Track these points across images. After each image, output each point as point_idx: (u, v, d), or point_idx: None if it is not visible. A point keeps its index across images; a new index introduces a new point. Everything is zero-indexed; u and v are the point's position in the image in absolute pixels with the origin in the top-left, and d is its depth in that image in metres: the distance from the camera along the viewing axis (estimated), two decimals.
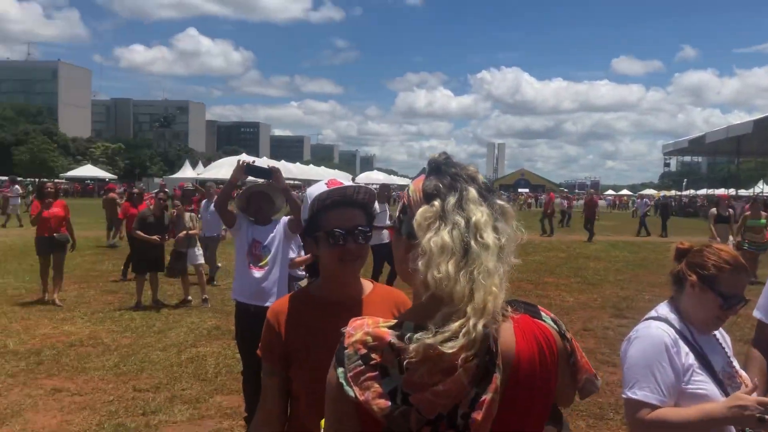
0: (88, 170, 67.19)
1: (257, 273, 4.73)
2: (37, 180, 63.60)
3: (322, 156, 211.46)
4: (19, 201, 26.18)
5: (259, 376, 4.86)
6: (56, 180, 61.13)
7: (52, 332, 7.80)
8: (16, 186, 26.92)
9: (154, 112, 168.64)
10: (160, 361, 6.65)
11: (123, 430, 4.81)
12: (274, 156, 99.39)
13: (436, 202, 1.14)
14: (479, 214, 1.13)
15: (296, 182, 58.75)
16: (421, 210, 1.15)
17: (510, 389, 1.10)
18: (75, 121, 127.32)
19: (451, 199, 1.14)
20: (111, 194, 18.91)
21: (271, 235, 4.80)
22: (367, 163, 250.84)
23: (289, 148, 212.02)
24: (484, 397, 1.05)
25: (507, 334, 1.12)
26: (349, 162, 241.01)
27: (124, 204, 13.05)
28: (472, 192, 1.15)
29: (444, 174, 1.19)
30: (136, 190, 13.23)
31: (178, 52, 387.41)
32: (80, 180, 66.06)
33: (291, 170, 62.90)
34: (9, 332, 7.69)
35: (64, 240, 9.60)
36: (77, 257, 11.19)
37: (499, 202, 1.18)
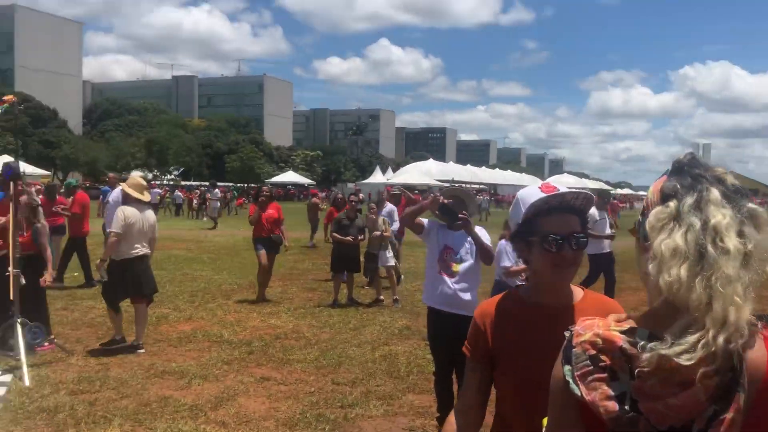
0: (289, 176, 72.37)
1: (448, 280, 4.75)
2: (246, 185, 69.70)
3: (509, 159, 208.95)
4: (218, 204, 29.15)
5: (450, 378, 4.90)
6: (263, 185, 66.68)
7: (261, 325, 8.49)
8: (216, 190, 30.01)
9: (348, 121, 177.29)
10: (355, 356, 6.97)
11: (323, 421, 5.10)
12: (460, 160, 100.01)
13: (671, 203, 1.09)
14: (720, 216, 1.04)
15: (482, 186, 58.66)
16: (654, 211, 1.10)
17: (757, 409, 1.00)
18: (278, 130, 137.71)
19: (688, 200, 1.08)
20: (314, 199, 20.87)
21: (464, 242, 4.81)
22: (557, 166, 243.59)
23: (474, 152, 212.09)
24: (724, 416, 0.98)
25: (756, 351, 1.02)
26: (537, 165, 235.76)
27: (330, 209, 14.09)
28: (714, 193, 1.07)
29: (685, 174, 1.13)
30: (340, 196, 14.17)
31: (370, 63, 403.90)
32: (283, 185, 71.32)
33: (477, 174, 62.98)
34: (224, 324, 8.48)
35: (279, 241, 10.31)
36: (281, 256, 12.02)
37: (749, 205, 1.08)
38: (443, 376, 4.94)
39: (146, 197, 7.43)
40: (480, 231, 4.79)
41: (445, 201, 4.57)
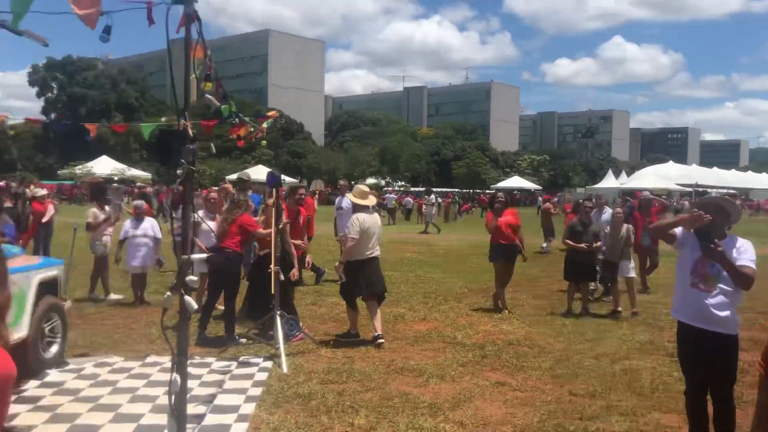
0: (515, 181, 71.79)
1: (703, 294, 4.33)
2: (472, 191, 70.54)
3: (763, 161, 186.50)
4: (434, 211, 30.22)
5: (704, 399, 4.47)
6: (488, 191, 66.98)
7: (492, 330, 8.51)
8: (432, 196, 31.11)
9: (578, 123, 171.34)
10: (593, 368, 6.69)
11: (562, 431, 4.96)
12: (705, 163, 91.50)
13: None
14: None
15: (731, 191, 53.09)
16: None
17: None
18: (504, 136, 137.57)
19: None
20: (547, 204, 21.01)
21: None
22: None
23: (721, 154, 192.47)
24: None
25: None
26: None
27: (568, 216, 13.92)
28: None
29: None
30: (581, 201, 13.88)
31: (602, 62, 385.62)
32: (508, 191, 70.92)
33: (725, 178, 57.11)
34: (457, 326, 8.64)
35: (518, 250, 9.90)
36: None
37: None
38: (695, 396, 4.55)
39: (370, 202, 7.90)
40: (742, 246, 4.30)
41: (707, 231, 4.12)
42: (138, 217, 10.04)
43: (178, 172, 2.98)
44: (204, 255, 3.84)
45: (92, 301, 9.89)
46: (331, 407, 5.36)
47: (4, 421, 1.34)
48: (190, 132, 2.95)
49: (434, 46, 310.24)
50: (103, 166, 49.70)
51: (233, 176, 26.20)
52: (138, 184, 46.52)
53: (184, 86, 3.12)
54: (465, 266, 15.38)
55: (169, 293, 3.16)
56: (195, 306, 3.23)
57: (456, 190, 68.80)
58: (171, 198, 17.55)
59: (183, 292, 3.09)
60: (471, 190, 72.00)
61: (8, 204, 12.00)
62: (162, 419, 5.01)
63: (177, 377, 3.13)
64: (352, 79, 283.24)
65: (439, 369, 6.53)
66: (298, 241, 8.87)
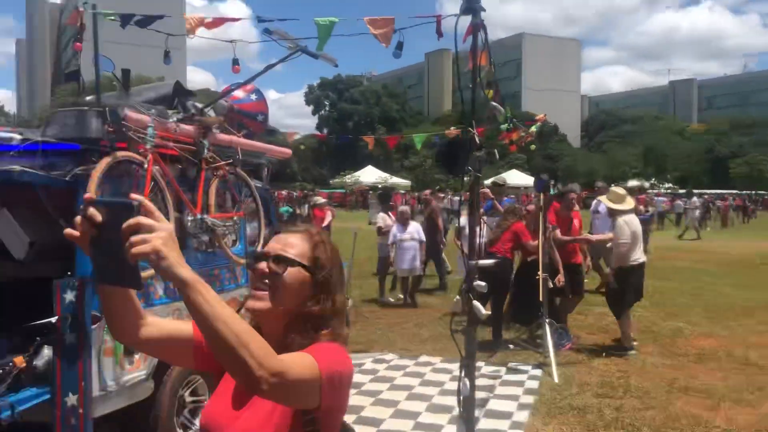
0: None
1: None
2: (754, 192, 62.84)
3: None
4: (698, 213, 26.67)
5: None
6: None
7: None
8: (694, 198, 27.91)
9: None
10: None
11: None
12: None
13: None
14: None
15: None
16: None
17: None
18: None
19: None
20: None
21: None
22: None
23: None
24: None
25: None
26: None
27: None
28: None
29: None
30: None
31: None
32: None
33: None
34: (748, 344, 7.67)
35: None
36: None
37: None
38: None
39: (629, 204, 7.49)
40: None
41: None
42: (404, 221, 10.54)
43: (465, 179, 3.04)
44: (491, 261, 3.90)
45: (380, 303, 10.57)
46: (610, 423, 5.09)
47: (344, 415, 1.44)
48: (477, 139, 3.00)
49: (704, 35, 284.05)
50: (369, 175, 53.38)
51: (488, 181, 26.50)
52: (401, 191, 49.21)
53: (471, 95, 3.18)
54: (753, 277, 13.67)
55: (458, 297, 3.23)
56: (483, 311, 3.27)
57: (734, 191, 61.61)
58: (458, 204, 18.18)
59: (471, 297, 3.14)
60: (753, 192, 64.02)
61: (297, 211, 13.48)
62: (438, 419, 5.19)
63: (466, 381, 3.19)
64: (609, 77, 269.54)
65: (731, 391, 5.86)
66: (603, 236, 8.52)
